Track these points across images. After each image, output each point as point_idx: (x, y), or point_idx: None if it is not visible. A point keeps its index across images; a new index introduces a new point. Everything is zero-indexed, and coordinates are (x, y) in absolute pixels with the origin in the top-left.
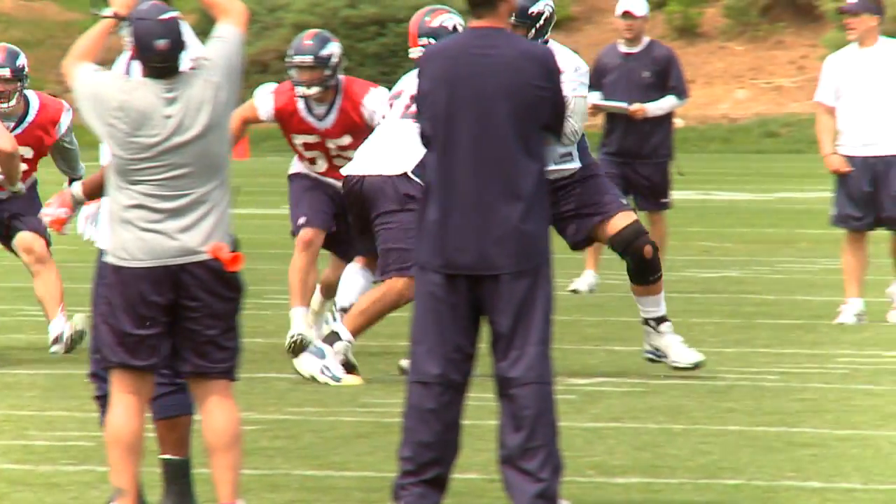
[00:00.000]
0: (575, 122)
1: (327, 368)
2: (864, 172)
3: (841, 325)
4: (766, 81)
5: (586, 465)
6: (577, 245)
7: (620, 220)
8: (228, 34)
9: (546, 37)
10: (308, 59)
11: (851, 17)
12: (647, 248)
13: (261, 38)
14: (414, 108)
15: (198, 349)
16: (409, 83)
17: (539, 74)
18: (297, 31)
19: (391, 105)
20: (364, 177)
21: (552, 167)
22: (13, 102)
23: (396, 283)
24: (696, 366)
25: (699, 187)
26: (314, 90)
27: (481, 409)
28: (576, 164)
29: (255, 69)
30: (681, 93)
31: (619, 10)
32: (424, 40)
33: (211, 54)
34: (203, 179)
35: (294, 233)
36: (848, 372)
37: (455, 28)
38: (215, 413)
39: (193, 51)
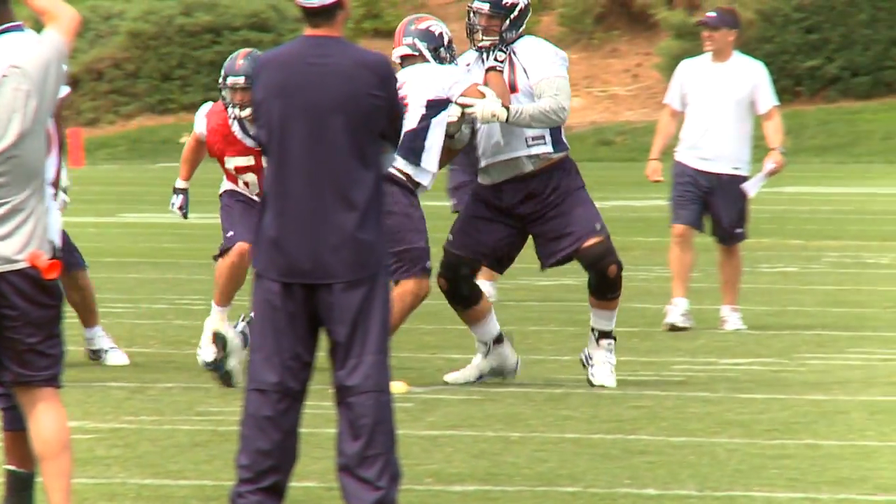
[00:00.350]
0: (563, 101)
1: None
2: (699, 183)
3: (675, 334)
4: (600, 90)
5: (424, 472)
6: (548, 267)
7: (591, 241)
8: (49, 41)
9: (521, 30)
10: (241, 80)
11: (711, 31)
12: (612, 268)
13: (95, 46)
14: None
15: (19, 358)
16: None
17: (374, 83)
18: (132, 39)
19: None
20: None
21: (523, 152)
22: None
23: (407, 285)
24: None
25: None
26: (247, 111)
27: (319, 418)
28: (548, 149)
29: (91, 77)
30: None
31: None
32: (410, 39)
33: (23, 62)
34: (19, 188)
35: (222, 248)
36: (683, 379)
37: (441, 35)
38: (43, 421)
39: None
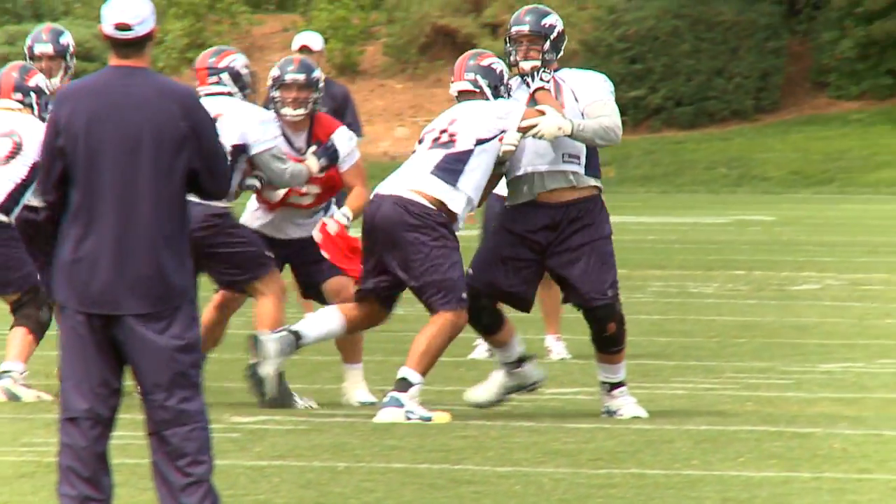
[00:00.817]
0: (618, 121)
1: (412, 413)
2: None
3: (490, 362)
4: (426, 119)
5: (251, 503)
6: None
7: (598, 302)
8: None
9: (559, 55)
10: (301, 77)
11: None
12: (611, 326)
13: None
14: (444, 138)
15: None
16: (438, 120)
17: (179, 114)
18: None
19: (421, 141)
20: (384, 199)
21: (559, 167)
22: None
23: (445, 316)
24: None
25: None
26: (300, 111)
27: (146, 448)
28: (580, 169)
29: None
30: (357, 130)
31: (295, 45)
32: (471, 76)
33: None
34: None
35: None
36: (509, 409)
37: (501, 73)
38: None
39: None
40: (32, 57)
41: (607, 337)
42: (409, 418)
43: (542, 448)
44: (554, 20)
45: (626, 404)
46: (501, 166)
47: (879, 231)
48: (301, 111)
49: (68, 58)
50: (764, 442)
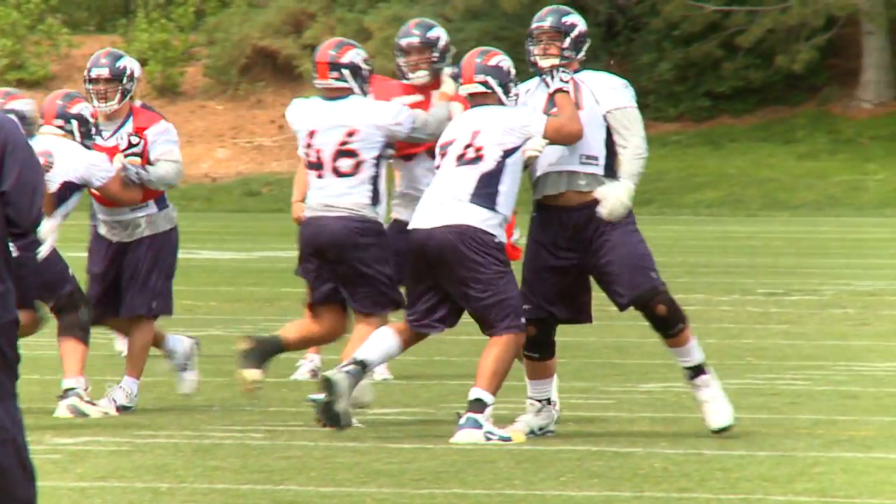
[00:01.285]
0: (642, 131)
1: (491, 434)
2: None
3: (312, 383)
4: (246, 141)
5: None
6: (624, 308)
7: (636, 283)
8: None
9: (580, 55)
10: (416, 40)
11: None
12: (660, 307)
13: None
14: (470, 154)
15: None
16: (458, 130)
17: None
18: None
19: (444, 154)
20: (432, 231)
21: (577, 168)
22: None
23: (509, 337)
24: (722, 430)
25: (181, 246)
26: (420, 74)
27: None
28: (599, 171)
29: None
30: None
31: None
32: (481, 77)
33: None
34: None
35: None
36: (333, 431)
37: (509, 70)
38: None
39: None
40: (90, 80)
41: (661, 319)
42: (488, 439)
43: (364, 468)
44: (576, 19)
45: (711, 399)
46: (525, 170)
47: (698, 252)
48: (421, 73)
49: (125, 81)
50: (585, 461)
